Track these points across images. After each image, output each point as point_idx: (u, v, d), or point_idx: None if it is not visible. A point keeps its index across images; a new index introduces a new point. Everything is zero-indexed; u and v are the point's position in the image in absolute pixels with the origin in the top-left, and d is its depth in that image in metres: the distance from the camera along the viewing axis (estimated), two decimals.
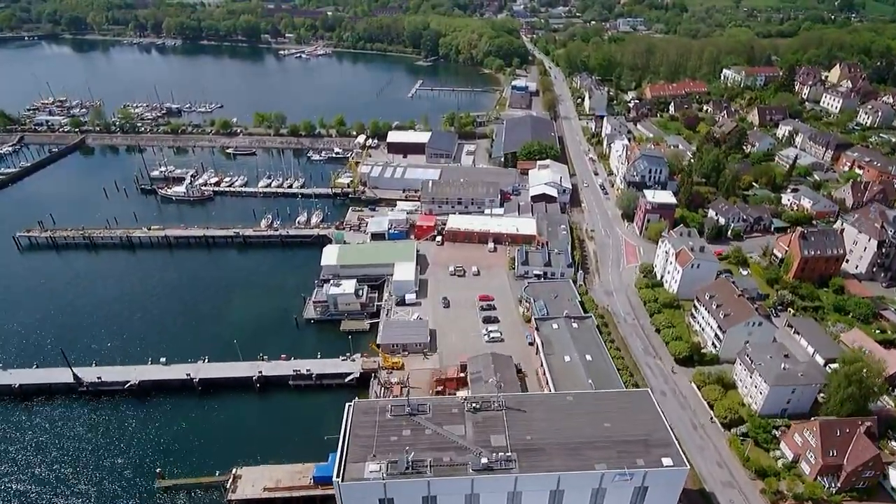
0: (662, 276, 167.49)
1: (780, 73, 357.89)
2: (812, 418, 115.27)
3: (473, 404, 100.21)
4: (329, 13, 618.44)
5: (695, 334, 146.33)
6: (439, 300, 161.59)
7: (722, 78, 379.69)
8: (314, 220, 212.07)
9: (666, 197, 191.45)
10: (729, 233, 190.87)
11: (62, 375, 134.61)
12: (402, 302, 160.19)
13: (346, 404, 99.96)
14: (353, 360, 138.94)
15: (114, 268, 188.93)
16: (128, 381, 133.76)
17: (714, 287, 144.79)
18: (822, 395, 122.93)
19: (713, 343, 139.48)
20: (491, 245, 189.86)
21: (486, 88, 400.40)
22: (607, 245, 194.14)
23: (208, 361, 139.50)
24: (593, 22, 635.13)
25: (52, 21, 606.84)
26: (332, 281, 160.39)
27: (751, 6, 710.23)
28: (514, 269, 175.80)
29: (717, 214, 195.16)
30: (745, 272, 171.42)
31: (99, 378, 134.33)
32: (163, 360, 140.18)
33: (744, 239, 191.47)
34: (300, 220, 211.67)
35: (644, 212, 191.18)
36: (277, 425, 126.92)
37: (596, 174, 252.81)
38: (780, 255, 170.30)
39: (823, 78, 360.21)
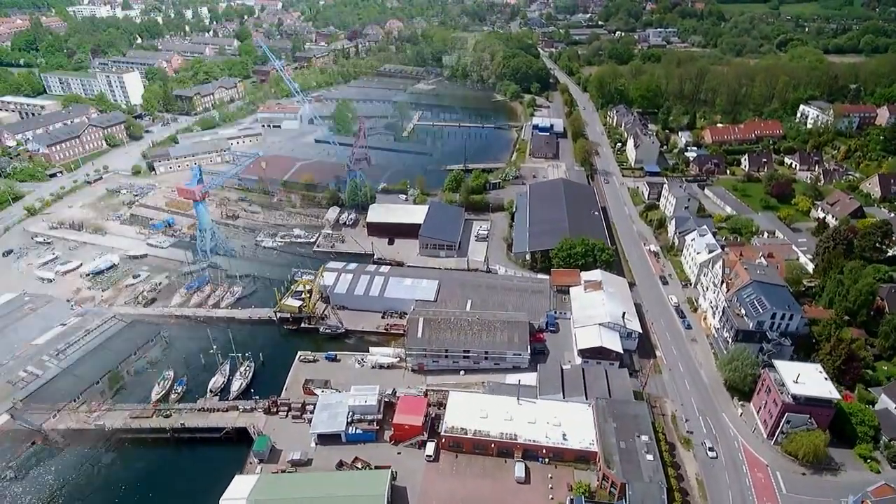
0: None
1: (879, 113, 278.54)
2: None
3: None
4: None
5: None
6: None
7: (799, 116, 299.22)
8: (236, 385, 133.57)
9: (819, 385, 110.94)
10: None
11: None
12: None
13: None
14: None
15: None
16: None
17: None
18: None
19: None
20: (520, 470, 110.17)
21: (501, 125, 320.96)
22: (716, 464, 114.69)
23: None
24: (619, 33, 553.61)
25: None
26: None
27: (794, 14, 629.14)
28: None
29: None
30: None
31: None
32: None
33: None
34: (214, 384, 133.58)
35: (781, 409, 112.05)
36: None
37: (665, 283, 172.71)
38: None
39: None
